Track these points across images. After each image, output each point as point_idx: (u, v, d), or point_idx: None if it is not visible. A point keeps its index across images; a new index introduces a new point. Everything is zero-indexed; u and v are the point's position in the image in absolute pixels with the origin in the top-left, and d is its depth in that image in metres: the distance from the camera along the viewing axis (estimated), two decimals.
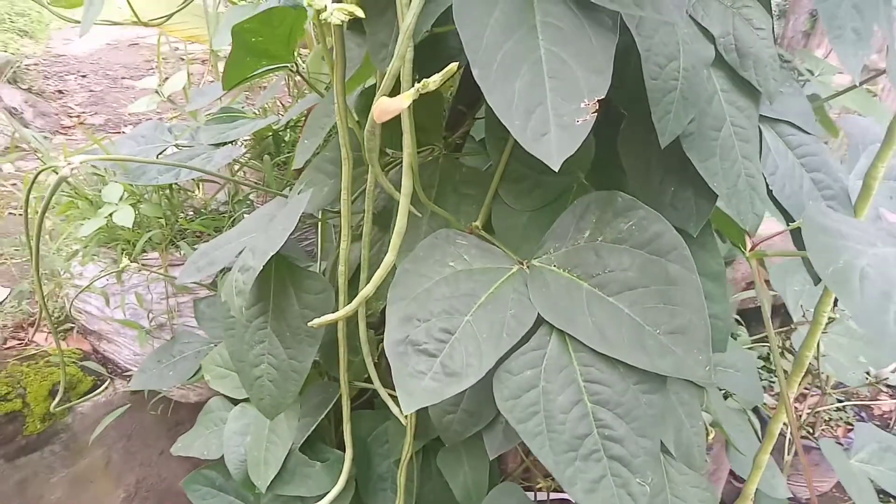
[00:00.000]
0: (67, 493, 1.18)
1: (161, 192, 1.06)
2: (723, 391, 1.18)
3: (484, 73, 0.46)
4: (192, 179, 1.14)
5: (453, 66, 0.45)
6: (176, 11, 1.03)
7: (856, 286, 0.40)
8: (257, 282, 0.75)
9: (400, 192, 0.53)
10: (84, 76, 3.22)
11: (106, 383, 1.19)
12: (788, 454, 1.22)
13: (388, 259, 0.54)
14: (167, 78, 1.22)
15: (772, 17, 0.59)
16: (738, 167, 0.57)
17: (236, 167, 1.23)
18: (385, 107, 0.41)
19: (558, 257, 0.56)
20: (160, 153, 1.06)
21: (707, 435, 0.94)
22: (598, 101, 0.46)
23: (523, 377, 0.53)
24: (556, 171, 0.44)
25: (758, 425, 1.17)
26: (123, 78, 3.19)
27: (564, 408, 0.52)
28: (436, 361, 0.52)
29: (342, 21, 0.44)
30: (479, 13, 0.47)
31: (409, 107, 0.53)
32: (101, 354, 1.24)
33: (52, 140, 2.41)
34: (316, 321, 0.59)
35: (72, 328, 1.29)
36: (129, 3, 1.00)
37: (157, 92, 1.23)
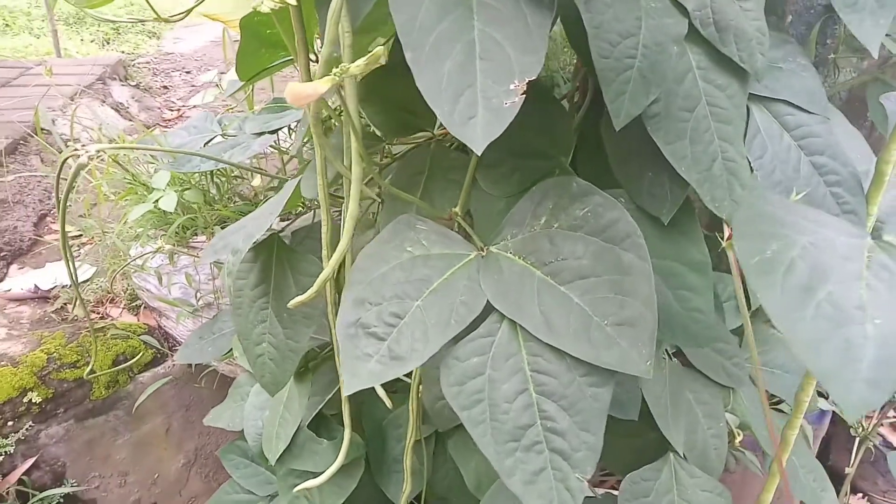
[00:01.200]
0: (132, 455, 1.29)
1: (210, 180, 1.13)
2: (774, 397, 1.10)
3: (416, 55, 0.46)
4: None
5: (379, 49, 0.45)
6: None
7: (777, 279, 0.36)
8: (260, 264, 0.79)
9: (351, 175, 0.54)
10: (188, 72, 3.46)
11: (164, 356, 1.29)
12: (851, 465, 1.12)
13: (342, 244, 0.55)
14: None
15: None
16: (714, 150, 0.53)
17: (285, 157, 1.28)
18: (298, 91, 0.41)
19: (515, 244, 0.55)
20: (207, 142, 1.13)
21: (734, 438, 0.88)
22: (528, 81, 0.44)
23: (470, 364, 0.52)
24: (479, 153, 0.43)
25: (810, 432, 1.08)
26: (222, 73, 3.40)
27: (509, 397, 0.51)
28: (383, 345, 0.53)
29: (272, 9, 0.45)
30: None
31: (351, 91, 0.54)
32: (163, 329, 1.34)
33: (154, 132, 2.61)
34: (292, 301, 0.61)
35: (142, 304, 1.40)
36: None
37: (216, 85, 1.31)
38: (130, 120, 2.64)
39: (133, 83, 3.05)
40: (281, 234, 0.79)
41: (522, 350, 0.52)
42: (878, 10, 0.58)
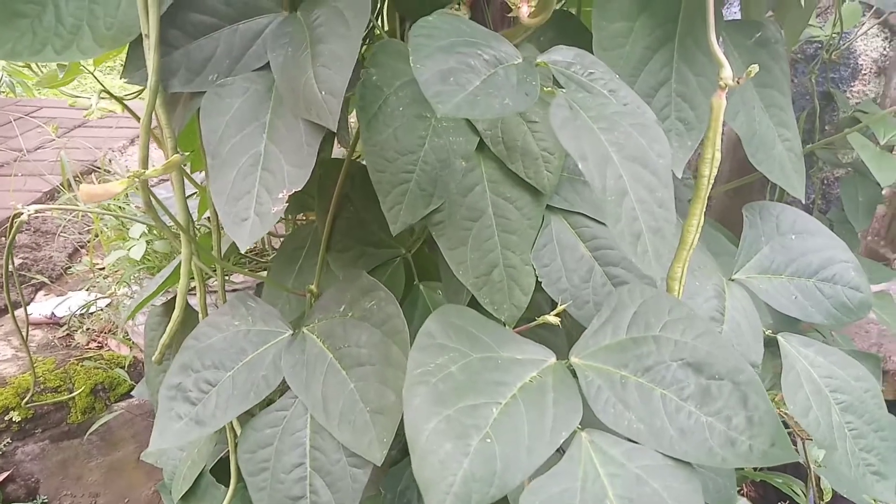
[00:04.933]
0: (104, 478, 1.40)
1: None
2: None
3: (213, 161, 0.54)
4: None
5: (175, 157, 0.53)
6: None
7: (424, 389, 0.41)
8: (168, 321, 0.87)
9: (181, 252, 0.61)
10: None
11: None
12: None
13: (175, 314, 0.63)
14: None
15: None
16: (494, 258, 0.57)
17: None
18: (91, 191, 0.50)
19: (320, 326, 0.61)
20: (189, 196, 1.25)
21: None
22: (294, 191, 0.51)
23: (263, 434, 0.58)
24: (243, 251, 0.50)
25: None
26: None
27: (287, 468, 0.56)
28: (193, 409, 0.59)
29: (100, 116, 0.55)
30: (220, 110, 0.55)
31: (178, 185, 0.62)
32: (142, 363, 1.46)
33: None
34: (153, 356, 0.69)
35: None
36: None
37: None
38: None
39: None
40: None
41: (308, 426, 0.57)
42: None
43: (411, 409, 0.40)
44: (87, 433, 1.30)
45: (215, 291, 0.94)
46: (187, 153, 0.80)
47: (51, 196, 2.22)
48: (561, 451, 0.40)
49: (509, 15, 0.46)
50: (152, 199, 0.59)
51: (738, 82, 0.48)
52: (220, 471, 0.97)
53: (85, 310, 1.52)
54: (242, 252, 0.50)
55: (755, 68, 0.48)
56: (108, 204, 1.30)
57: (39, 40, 0.54)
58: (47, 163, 2.39)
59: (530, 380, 0.42)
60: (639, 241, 0.36)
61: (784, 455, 0.40)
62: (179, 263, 0.78)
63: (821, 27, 1.31)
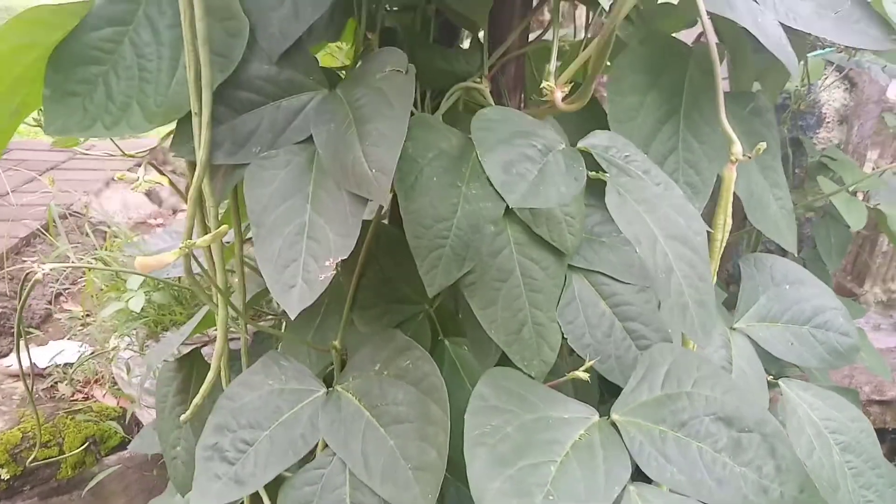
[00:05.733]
0: None
1: (180, 283, 1.26)
2: None
3: (258, 231, 0.56)
4: None
5: (223, 228, 0.55)
6: None
7: (485, 451, 0.43)
8: (183, 375, 0.88)
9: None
10: None
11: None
12: None
13: (209, 377, 0.64)
14: None
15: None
16: (524, 316, 0.61)
17: None
18: (146, 262, 0.52)
19: (355, 385, 0.63)
20: None
21: None
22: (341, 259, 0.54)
23: (302, 493, 0.60)
24: (292, 317, 0.53)
25: None
26: None
27: None
28: (232, 469, 0.61)
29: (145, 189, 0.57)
30: (264, 181, 0.58)
31: (218, 255, 0.64)
32: (134, 415, 1.44)
33: (176, 216, 2.82)
34: (183, 416, 0.70)
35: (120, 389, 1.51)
36: None
37: None
38: (159, 205, 2.86)
39: (170, 168, 3.31)
40: (204, 350, 0.89)
41: (347, 483, 0.59)
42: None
43: (475, 470, 0.43)
44: (85, 491, 1.28)
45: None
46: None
47: (27, 242, 2.19)
48: None
49: (543, 99, 0.51)
50: (194, 263, 0.61)
51: (749, 157, 0.53)
52: None
53: (77, 361, 1.50)
54: (292, 318, 0.53)
55: (763, 146, 0.53)
56: (101, 256, 1.30)
57: (90, 117, 0.57)
58: (18, 207, 2.36)
59: (580, 437, 0.45)
60: (686, 312, 0.40)
61: (812, 500, 0.44)
62: (203, 318, 0.80)
63: (790, 80, 1.41)
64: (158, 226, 2.56)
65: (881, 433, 1.82)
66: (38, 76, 0.58)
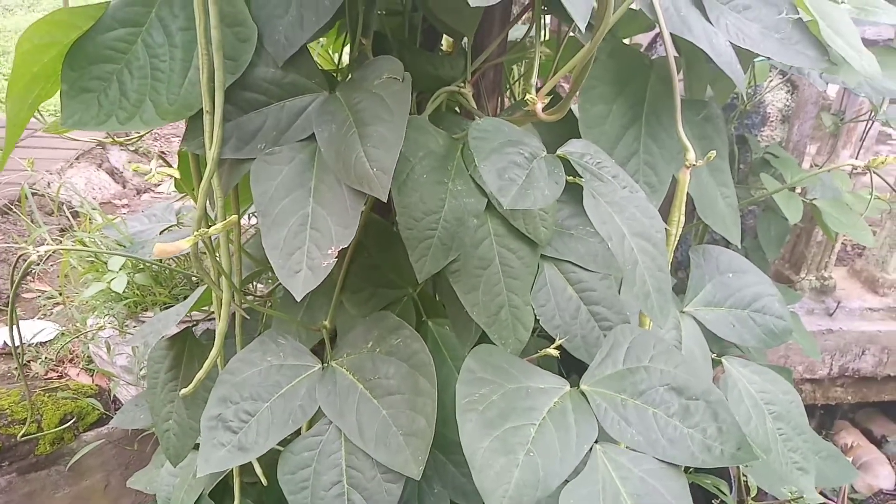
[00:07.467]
0: None
1: (161, 263, 1.29)
2: None
3: (265, 220, 0.62)
4: None
5: (234, 217, 0.61)
6: None
7: (474, 416, 0.51)
8: (174, 353, 0.93)
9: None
10: None
11: (108, 418, 1.41)
12: None
13: (213, 353, 0.70)
14: None
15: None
16: (502, 300, 0.68)
17: None
18: (163, 248, 0.57)
19: (349, 361, 0.70)
20: (163, 231, 1.29)
21: None
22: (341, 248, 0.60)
23: (301, 458, 0.66)
24: (298, 300, 0.59)
25: None
26: None
27: (326, 486, 0.65)
28: (235, 437, 0.67)
29: (161, 180, 0.62)
30: (269, 175, 0.63)
31: (224, 244, 0.70)
32: (111, 393, 1.47)
33: (141, 198, 2.80)
34: (182, 391, 0.75)
35: (95, 367, 1.54)
36: None
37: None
38: (123, 185, 2.84)
39: (132, 148, 3.27)
40: (195, 329, 0.93)
41: (342, 449, 0.66)
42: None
43: (466, 432, 0.50)
44: (66, 467, 1.31)
45: (212, 319, 1.00)
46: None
47: None
48: (583, 462, 0.51)
49: (525, 109, 0.57)
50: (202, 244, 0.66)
51: (700, 163, 0.61)
52: (218, 494, 1.02)
53: (54, 339, 1.51)
54: (298, 300, 0.59)
55: (713, 154, 0.61)
56: (80, 237, 1.32)
57: (105, 112, 0.61)
58: None
59: (554, 404, 0.53)
60: (648, 299, 0.48)
61: (748, 457, 0.53)
62: (199, 298, 0.85)
63: None
64: (123, 206, 2.54)
65: (811, 409, 1.97)
66: (53, 73, 0.62)
